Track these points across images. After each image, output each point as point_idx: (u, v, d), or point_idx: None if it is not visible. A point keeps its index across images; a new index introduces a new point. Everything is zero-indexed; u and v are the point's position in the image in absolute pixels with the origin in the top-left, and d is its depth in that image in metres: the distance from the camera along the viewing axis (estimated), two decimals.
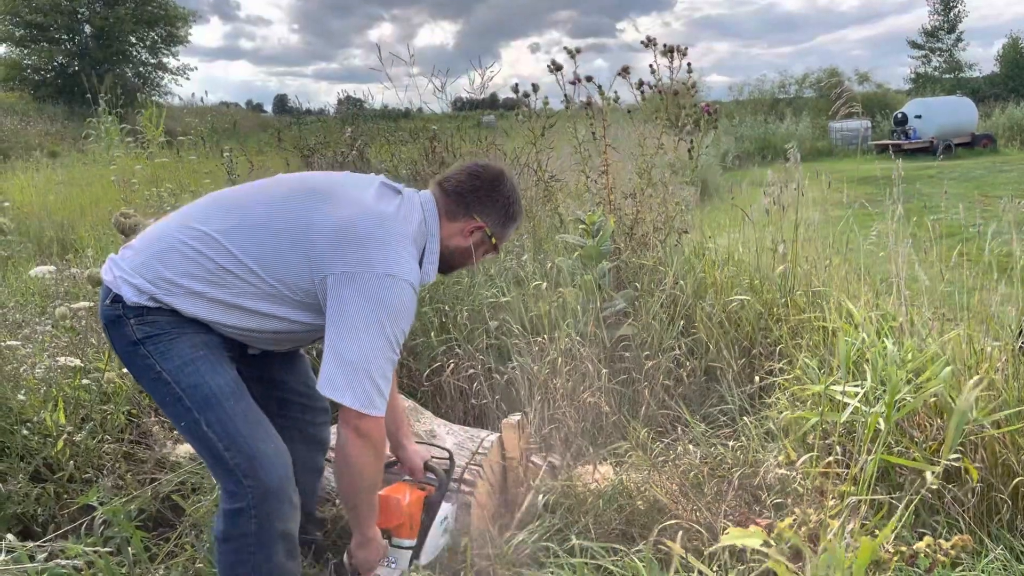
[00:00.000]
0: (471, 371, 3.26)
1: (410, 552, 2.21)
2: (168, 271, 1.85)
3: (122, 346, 1.89)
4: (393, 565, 2.18)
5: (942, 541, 1.82)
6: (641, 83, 3.85)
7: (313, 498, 2.48)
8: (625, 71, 3.75)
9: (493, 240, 2.18)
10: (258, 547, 1.90)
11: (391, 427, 2.35)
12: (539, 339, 3.25)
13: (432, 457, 2.44)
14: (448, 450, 2.46)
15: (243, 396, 1.93)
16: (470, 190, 2.12)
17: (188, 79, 34.65)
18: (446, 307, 3.60)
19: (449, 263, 2.19)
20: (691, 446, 2.59)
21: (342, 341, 1.82)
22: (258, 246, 1.88)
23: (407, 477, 2.37)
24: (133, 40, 32.52)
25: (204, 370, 1.87)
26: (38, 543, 2.15)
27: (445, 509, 2.31)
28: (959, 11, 38.49)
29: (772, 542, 1.72)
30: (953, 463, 2.09)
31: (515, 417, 2.65)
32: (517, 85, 4.30)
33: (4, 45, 31.06)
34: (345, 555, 2.14)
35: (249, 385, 1.98)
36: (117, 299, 1.86)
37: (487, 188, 2.14)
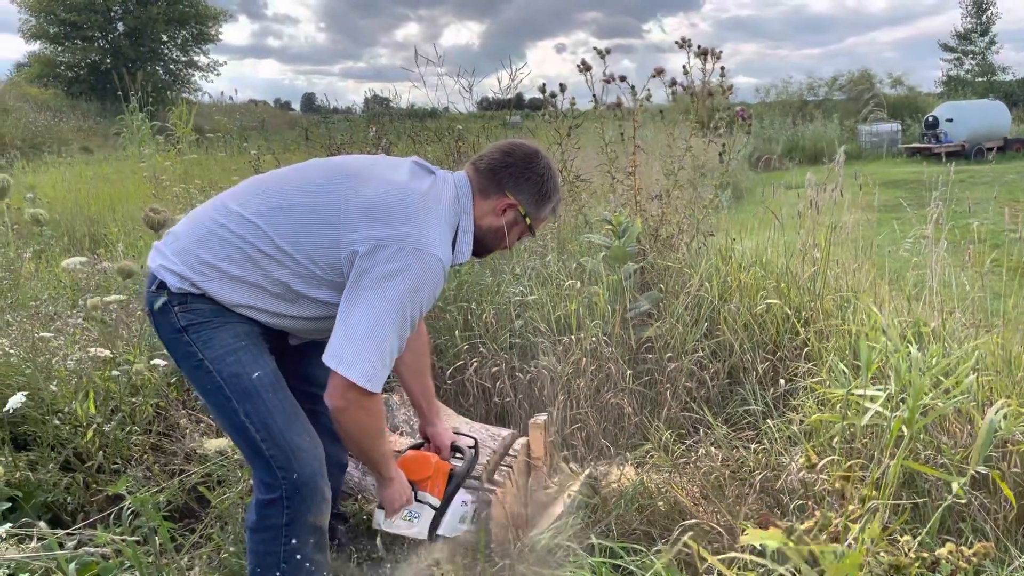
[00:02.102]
0: (494, 369, 3.26)
1: (433, 513, 2.23)
2: (208, 255, 1.88)
3: (166, 333, 1.92)
4: (416, 519, 2.21)
5: (964, 548, 1.79)
6: (674, 83, 3.84)
7: (336, 493, 2.50)
8: (659, 72, 3.74)
9: (528, 220, 2.14)
10: (289, 539, 1.92)
11: (423, 404, 2.39)
12: (564, 339, 3.25)
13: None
14: (474, 438, 2.47)
15: (282, 388, 1.95)
16: (502, 167, 2.09)
17: (219, 75, 35.03)
18: (471, 305, 3.61)
19: (483, 244, 2.15)
20: (713, 448, 2.58)
21: (355, 314, 1.81)
22: (291, 226, 1.89)
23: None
24: (165, 38, 32.96)
25: (245, 360, 1.90)
26: (68, 531, 2.19)
27: (467, 496, 2.33)
28: (992, 13, 37.94)
29: (791, 543, 1.71)
30: (981, 472, 2.07)
31: (541, 417, 2.66)
32: (544, 85, 4.30)
33: (39, 42, 31.61)
34: (376, 516, 2.22)
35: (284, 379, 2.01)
36: (162, 286, 1.89)
37: (520, 165, 2.10)
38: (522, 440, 2.66)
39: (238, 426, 1.90)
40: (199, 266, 1.88)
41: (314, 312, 1.97)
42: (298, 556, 1.93)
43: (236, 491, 2.51)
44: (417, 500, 2.22)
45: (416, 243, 1.84)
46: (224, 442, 2.63)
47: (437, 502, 2.25)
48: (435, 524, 2.25)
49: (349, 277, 1.86)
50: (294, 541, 1.92)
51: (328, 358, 1.81)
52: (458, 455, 2.39)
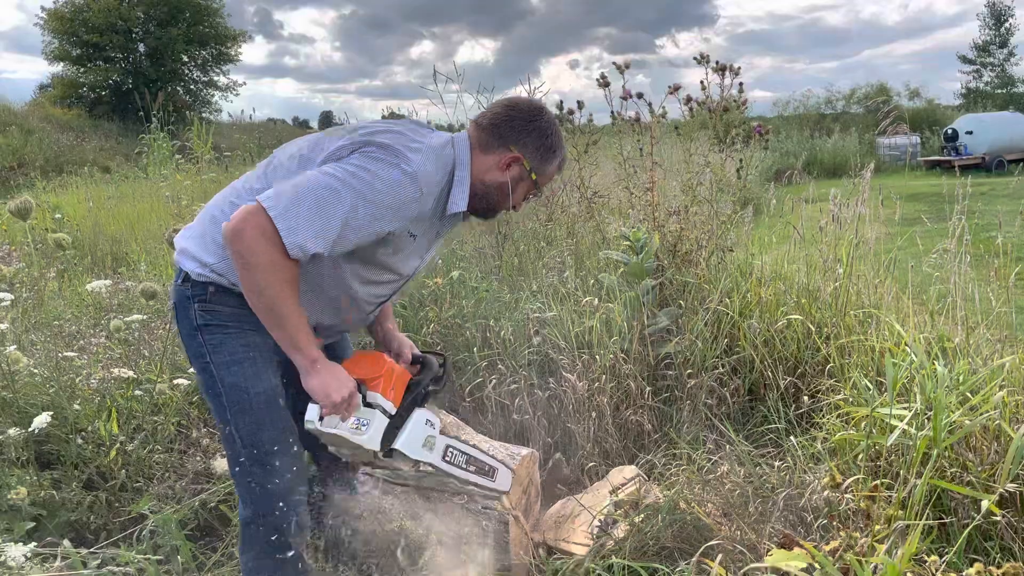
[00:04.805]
0: (513, 387, 3.26)
1: (387, 421, 1.92)
2: (220, 234, 1.84)
3: (185, 328, 1.93)
4: (364, 427, 1.87)
5: (993, 568, 1.77)
6: (689, 99, 3.84)
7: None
8: (676, 89, 3.74)
9: (533, 176, 2.06)
10: (269, 558, 1.93)
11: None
12: (583, 355, 3.25)
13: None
14: (443, 355, 2.22)
15: (277, 407, 1.93)
16: (505, 119, 2.03)
17: (238, 95, 35.41)
18: (490, 322, 3.61)
19: (487, 202, 2.07)
20: (736, 465, 2.56)
21: (308, 174, 1.77)
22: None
23: None
24: (185, 59, 33.37)
25: (248, 373, 1.89)
26: (91, 550, 2.20)
27: (432, 417, 2.06)
28: (1011, 25, 37.70)
29: (817, 565, 1.69)
30: (1008, 490, 2.04)
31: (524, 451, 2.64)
32: (561, 102, 4.32)
33: (62, 64, 32.11)
34: (308, 412, 1.87)
35: (289, 391, 2.00)
36: (186, 279, 1.90)
37: (524, 119, 2.03)
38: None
39: (227, 436, 1.91)
40: (213, 246, 1.88)
41: (323, 281, 1.93)
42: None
43: None
44: (366, 404, 1.90)
45: (395, 153, 1.81)
46: None
47: (392, 407, 1.94)
48: (390, 435, 1.92)
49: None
50: (274, 561, 1.93)
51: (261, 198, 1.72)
52: (418, 368, 2.11)
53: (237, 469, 1.92)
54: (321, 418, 1.85)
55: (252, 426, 1.89)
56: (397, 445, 1.92)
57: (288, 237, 1.68)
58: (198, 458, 2.91)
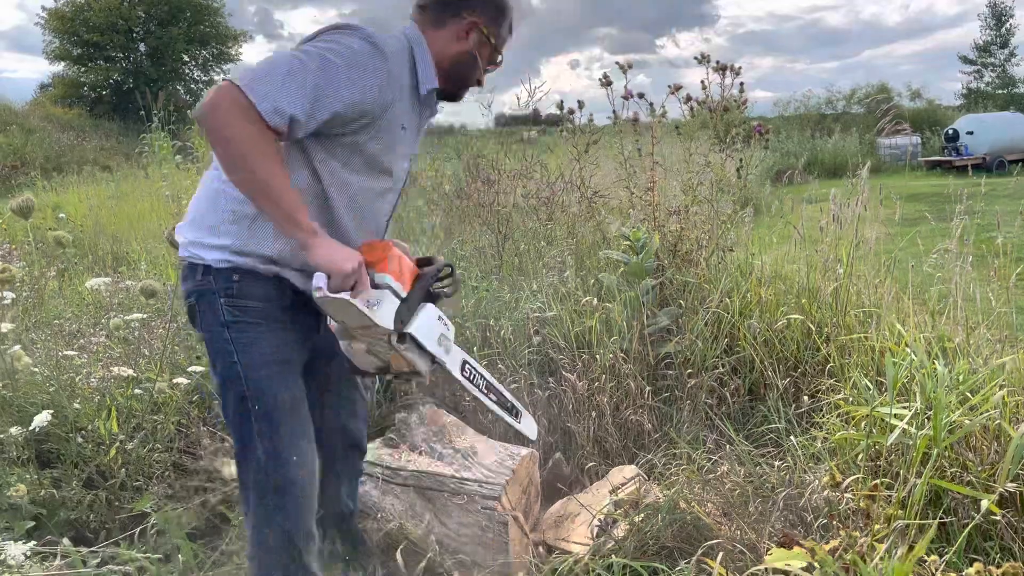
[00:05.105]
0: (513, 386, 3.26)
1: (398, 302, 1.84)
2: (229, 204, 1.84)
3: (208, 323, 1.88)
4: (376, 305, 1.79)
5: (993, 568, 1.77)
6: (689, 98, 3.84)
7: (354, 505, 2.48)
8: (677, 88, 3.74)
9: (492, 39, 2.02)
10: (279, 567, 1.90)
11: None
12: (583, 355, 3.25)
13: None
14: (450, 263, 2.08)
15: (299, 414, 1.93)
16: None
17: None
18: (490, 321, 3.62)
19: (458, 76, 2.03)
20: (736, 465, 2.56)
21: (268, 58, 1.74)
22: None
23: None
24: (186, 58, 33.41)
25: (276, 377, 1.88)
26: (91, 549, 2.20)
27: (444, 315, 1.98)
28: (1011, 25, 37.71)
29: (817, 564, 1.69)
30: (1008, 490, 2.04)
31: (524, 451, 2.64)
32: (562, 102, 4.33)
33: (63, 63, 32.14)
34: (316, 292, 1.74)
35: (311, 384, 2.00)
36: (206, 271, 1.85)
37: None
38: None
39: (245, 437, 1.88)
40: (223, 227, 1.85)
41: (334, 208, 1.90)
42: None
43: None
44: (374, 286, 1.81)
45: (355, 28, 1.80)
46: None
47: (402, 290, 1.85)
48: (403, 316, 1.84)
49: None
50: (290, 565, 1.91)
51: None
52: (424, 264, 2.01)
53: (252, 472, 1.89)
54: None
55: (274, 433, 1.87)
56: (411, 329, 1.84)
57: (262, 103, 1.63)
58: (198, 456, 2.91)
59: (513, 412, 2.20)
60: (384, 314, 1.78)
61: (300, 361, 1.97)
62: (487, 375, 2.12)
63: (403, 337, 1.83)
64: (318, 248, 1.73)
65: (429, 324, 1.89)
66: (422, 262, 2.01)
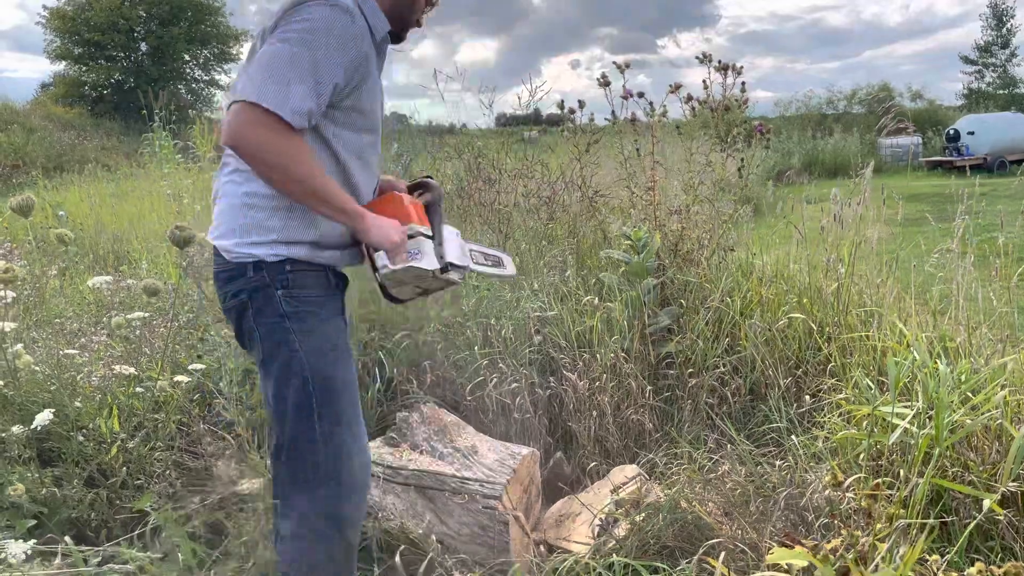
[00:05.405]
0: (514, 386, 3.26)
1: (430, 241, 2.04)
2: (261, 202, 1.88)
3: (266, 316, 1.90)
4: (419, 254, 2.00)
5: (994, 567, 1.76)
6: (690, 98, 3.84)
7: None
8: (677, 88, 3.74)
9: None
10: (322, 546, 1.93)
11: None
12: (584, 354, 3.25)
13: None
14: (429, 176, 2.28)
15: (356, 398, 1.99)
16: None
17: None
18: (491, 320, 3.61)
19: (396, 17, 2.05)
20: (737, 464, 2.56)
21: (256, 60, 1.77)
22: None
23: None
24: (187, 58, 33.42)
25: (338, 362, 1.93)
26: (93, 548, 2.20)
27: (454, 229, 2.17)
28: (1012, 26, 37.68)
29: (818, 563, 1.68)
30: (1010, 490, 2.04)
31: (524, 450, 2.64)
32: (563, 101, 4.33)
33: (64, 63, 32.15)
34: (373, 263, 1.97)
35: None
36: (258, 267, 1.88)
37: None
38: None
39: (304, 419, 1.88)
40: (268, 222, 1.88)
41: (349, 171, 1.97)
42: (330, 564, 1.94)
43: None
44: (408, 236, 2.00)
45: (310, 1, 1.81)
46: (260, 483, 2.57)
47: (429, 231, 2.06)
48: (439, 252, 2.06)
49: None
50: (328, 549, 1.94)
51: (237, 94, 1.74)
52: (421, 192, 2.20)
53: (308, 459, 1.90)
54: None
55: (334, 417, 1.90)
56: (451, 258, 2.04)
57: (283, 110, 1.69)
58: (201, 454, 2.91)
59: (499, 263, 2.36)
60: (428, 259, 1.99)
61: (348, 346, 2.01)
62: (480, 247, 2.29)
63: (445, 267, 2.03)
64: (371, 229, 1.89)
65: (455, 245, 2.10)
66: (414, 189, 2.20)
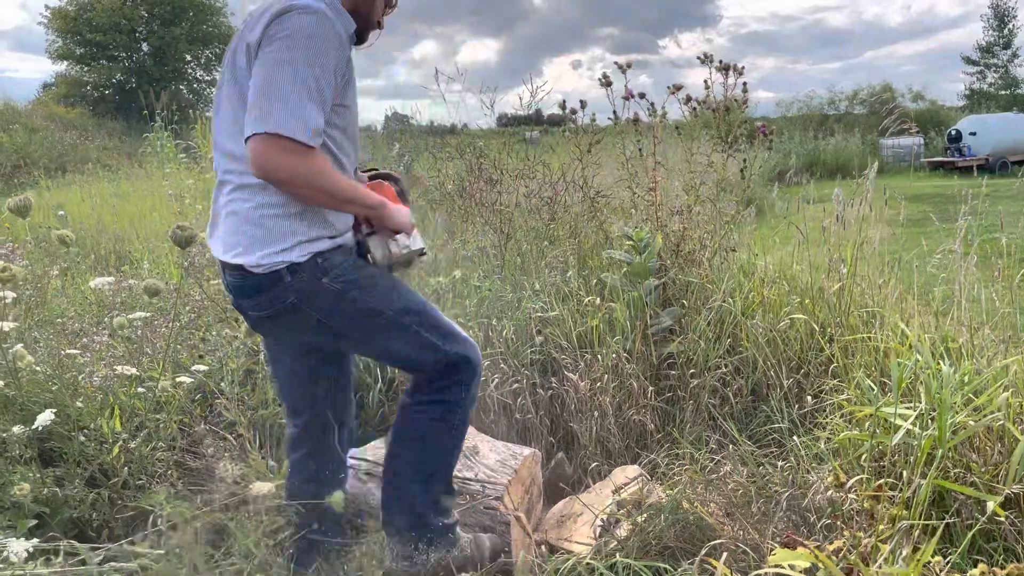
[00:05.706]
0: (516, 386, 3.26)
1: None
2: (275, 211, 1.96)
3: (328, 304, 2.02)
4: (415, 236, 2.24)
5: (997, 569, 1.76)
6: (689, 99, 3.83)
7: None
8: (677, 88, 3.74)
9: None
10: (461, 413, 2.20)
11: None
12: (586, 355, 3.24)
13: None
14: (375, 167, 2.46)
15: (438, 311, 2.21)
16: None
17: None
18: (492, 321, 3.61)
19: (359, 17, 2.10)
20: (739, 465, 2.55)
21: (255, 79, 1.82)
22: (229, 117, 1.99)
23: None
24: (188, 58, 33.45)
25: (404, 291, 2.16)
26: (94, 547, 2.19)
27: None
28: (1014, 26, 37.65)
29: (825, 562, 1.68)
30: (1013, 492, 2.03)
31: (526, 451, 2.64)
32: (564, 102, 4.32)
33: (66, 63, 32.18)
34: (373, 248, 2.17)
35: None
36: (293, 271, 1.96)
37: None
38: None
39: (413, 337, 2.10)
40: (290, 225, 1.96)
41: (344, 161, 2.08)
42: (464, 428, 2.25)
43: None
44: None
45: (290, 10, 1.85)
46: (271, 486, 2.55)
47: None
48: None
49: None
50: (465, 415, 2.23)
51: (247, 128, 1.80)
52: (384, 181, 2.37)
53: (432, 353, 2.13)
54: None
55: (435, 321, 2.14)
56: (415, 245, 2.24)
57: (299, 135, 1.78)
58: (202, 455, 2.91)
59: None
60: (418, 240, 2.23)
61: (401, 281, 2.22)
62: None
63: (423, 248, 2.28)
64: (394, 215, 2.13)
65: (416, 235, 2.28)
66: (376, 177, 2.36)
